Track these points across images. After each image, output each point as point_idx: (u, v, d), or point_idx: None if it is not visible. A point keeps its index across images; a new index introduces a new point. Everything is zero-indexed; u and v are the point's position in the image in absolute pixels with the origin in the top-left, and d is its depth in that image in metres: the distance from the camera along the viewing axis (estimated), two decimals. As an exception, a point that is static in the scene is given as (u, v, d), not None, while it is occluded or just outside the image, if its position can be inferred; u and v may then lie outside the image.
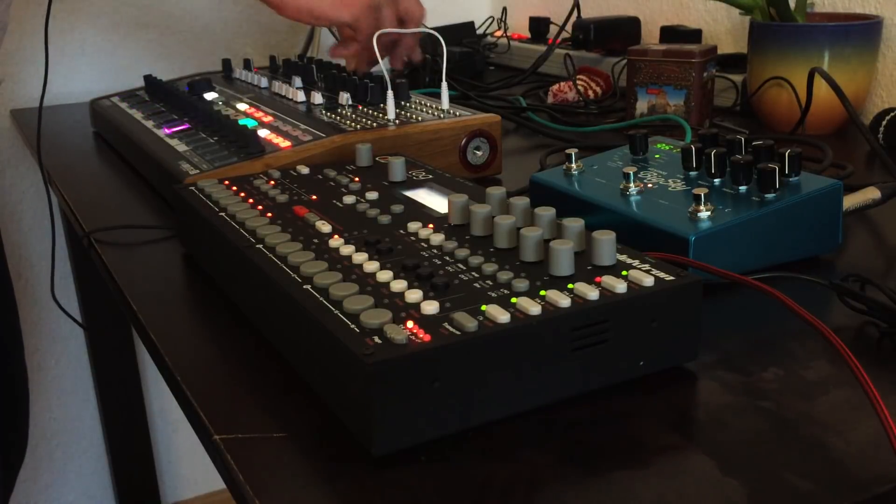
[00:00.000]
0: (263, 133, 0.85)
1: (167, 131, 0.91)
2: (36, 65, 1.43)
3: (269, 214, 0.61)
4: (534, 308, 0.44)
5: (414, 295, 0.46)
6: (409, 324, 0.43)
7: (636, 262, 0.50)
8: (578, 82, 1.25)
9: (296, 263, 0.51)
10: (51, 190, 1.01)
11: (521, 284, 0.47)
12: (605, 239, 0.49)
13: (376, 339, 0.42)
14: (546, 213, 0.54)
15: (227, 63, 1.23)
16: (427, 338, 0.42)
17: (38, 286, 1.55)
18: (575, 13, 1.43)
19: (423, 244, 0.54)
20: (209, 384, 0.50)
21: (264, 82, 1.10)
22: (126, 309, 0.63)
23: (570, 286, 0.47)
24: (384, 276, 0.49)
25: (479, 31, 1.69)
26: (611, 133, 1.05)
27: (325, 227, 0.58)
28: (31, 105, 1.41)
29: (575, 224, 0.52)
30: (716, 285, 0.57)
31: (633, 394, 0.47)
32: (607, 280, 0.47)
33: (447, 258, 0.52)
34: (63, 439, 1.65)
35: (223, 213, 0.62)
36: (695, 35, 1.28)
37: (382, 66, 0.92)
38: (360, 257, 0.52)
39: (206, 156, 0.80)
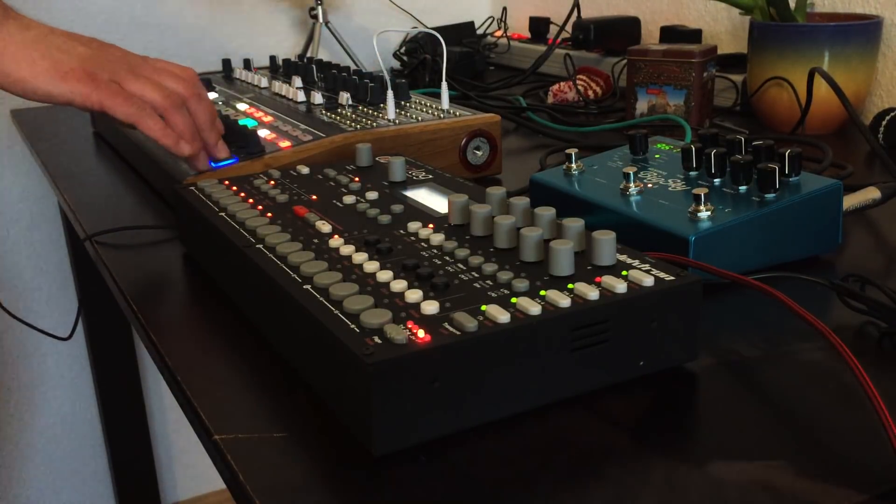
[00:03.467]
0: (263, 133, 0.85)
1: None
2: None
3: (269, 214, 0.61)
4: (534, 308, 0.44)
5: (414, 295, 0.46)
6: (409, 324, 0.43)
7: (636, 262, 0.50)
8: (578, 82, 1.25)
9: (296, 263, 0.51)
10: (52, 190, 1.01)
11: (521, 284, 0.47)
12: (605, 239, 0.49)
13: (376, 339, 0.42)
14: (546, 213, 0.54)
15: (227, 63, 1.23)
16: (427, 338, 0.42)
17: (39, 286, 1.55)
18: (575, 13, 1.43)
19: (423, 244, 0.54)
20: (209, 384, 0.50)
21: (264, 82, 1.10)
22: (126, 309, 0.63)
23: (570, 286, 0.47)
24: (384, 276, 0.49)
25: (479, 31, 1.69)
26: (611, 133, 1.05)
27: (325, 227, 0.58)
28: (32, 105, 1.41)
29: (575, 224, 0.52)
30: (716, 285, 0.57)
31: (633, 394, 0.47)
32: (607, 280, 0.47)
33: (447, 258, 0.52)
34: (63, 439, 1.65)
35: (223, 213, 0.62)
36: (695, 35, 1.28)
37: (382, 65, 0.92)
38: (360, 257, 0.52)
39: (206, 156, 0.80)
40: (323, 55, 1.56)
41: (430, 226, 0.57)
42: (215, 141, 0.76)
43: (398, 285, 0.48)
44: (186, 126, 0.72)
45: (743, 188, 0.64)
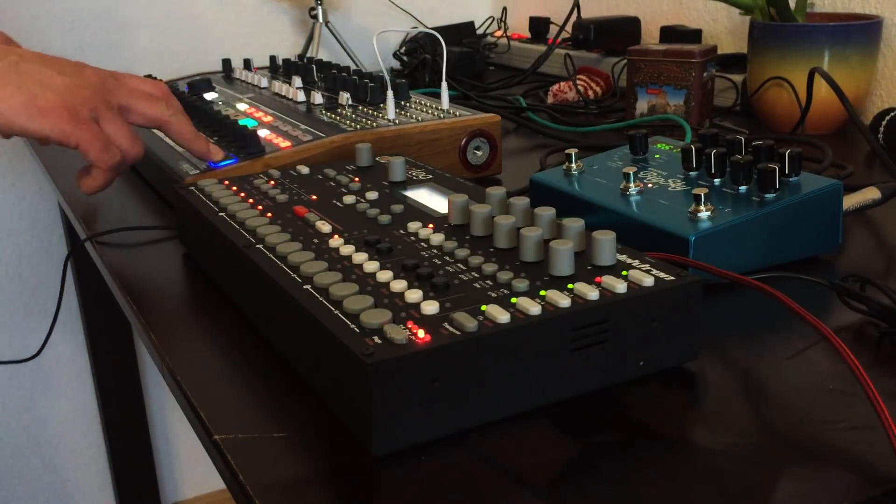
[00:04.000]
0: (263, 133, 0.85)
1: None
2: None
3: (269, 214, 0.61)
4: (534, 308, 0.44)
5: (414, 295, 0.46)
6: (409, 324, 0.43)
7: (636, 262, 0.50)
8: (578, 82, 1.25)
9: (296, 263, 0.51)
10: (52, 190, 1.01)
11: (521, 284, 0.47)
12: (605, 239, 0.49)
13: (376, 339, 0.42)
14: (546, 213, 0.54)
15: (227, 63, 1.23)
16: (427, 338, 0.42)
17: (39, 285, 1.55)
18: (575, 13, 1.43)
19: (423, 244, 0.54)
20: (209, 384, 0.50)
21: (264, 82, 1.10)
22: (126, 309, 0.63)
23: (570, 286, 0.47)
24: (384, 276, 0.49)
25: (479, 31, 1.69)
26: (611, 133, 1.05)
27: (325, 227, 0.58)
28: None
29: (575, 224, 0.52)
30: (716, 285, 0.57)
31: (632, 394, 0.47)
32: (607, 280, 0.47)
33: (447, 258, 0.52)
34: (63, 439, 1.65)
35: (223, 213, 0.62)
36: (695, 35, 1.28)
37: (382, 65, 0.92)
38: (360, 257, 0.52)
39: (206, 156, 0.80)
40: (323, 55, 1.56)
41: (430, 226, 0.57)
42: (206, 148, 0.76)
43: (398, 285, 0.48)
44: (121, 172, 0.72)
45: (743, 188, 0.64)
